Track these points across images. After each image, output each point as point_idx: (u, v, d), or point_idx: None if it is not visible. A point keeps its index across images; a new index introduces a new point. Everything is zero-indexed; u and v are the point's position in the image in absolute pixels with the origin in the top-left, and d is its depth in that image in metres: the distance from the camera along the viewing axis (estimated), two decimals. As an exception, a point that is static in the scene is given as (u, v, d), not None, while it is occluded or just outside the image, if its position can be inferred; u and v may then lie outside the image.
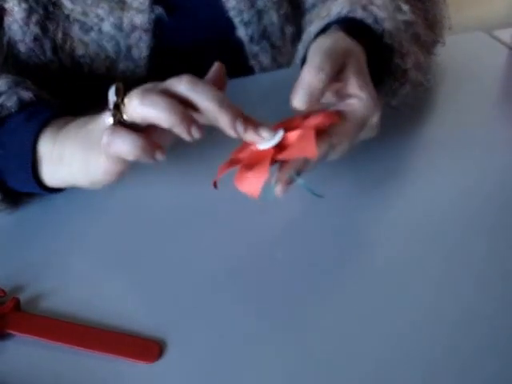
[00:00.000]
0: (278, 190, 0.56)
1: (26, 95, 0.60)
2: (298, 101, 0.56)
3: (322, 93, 0.56)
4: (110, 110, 0.54)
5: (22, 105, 0.60)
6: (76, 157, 0.56)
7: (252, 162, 0.55)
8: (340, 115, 0.58)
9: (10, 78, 0.61)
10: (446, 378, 0.50)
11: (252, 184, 0.54)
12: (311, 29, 0.70)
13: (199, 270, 0.58)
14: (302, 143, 0.55)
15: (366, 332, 0.53)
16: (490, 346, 0.52)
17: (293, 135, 0.56)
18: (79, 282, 0.57)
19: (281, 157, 0.56)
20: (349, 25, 0.65)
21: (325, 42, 0.60)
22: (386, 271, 0.58)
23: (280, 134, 0.56)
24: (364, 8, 0.67)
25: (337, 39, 0.61)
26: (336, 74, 0.58)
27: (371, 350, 0.52)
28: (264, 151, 0.56)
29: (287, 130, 0.57)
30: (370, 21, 0.66)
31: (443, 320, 0.54)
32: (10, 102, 0.59)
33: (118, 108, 0.53)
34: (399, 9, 0.69)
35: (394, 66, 0.68)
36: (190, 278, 0.58)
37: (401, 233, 0.62)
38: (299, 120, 0.58)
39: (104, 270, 0.59)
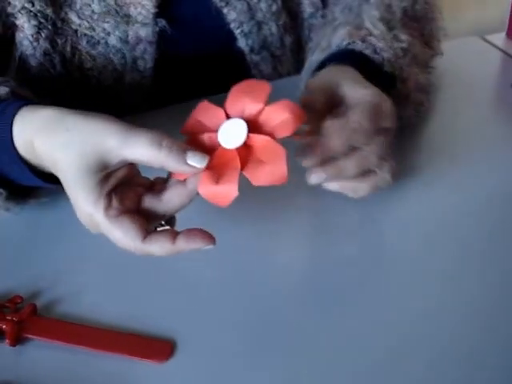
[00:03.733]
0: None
1: (2, 90, 0.60)
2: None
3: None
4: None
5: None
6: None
7: (218, 167, 0.51)
8: (302, 109, 0.54)
9: None
10: None
11: (221, 197, 0.51)
12: (313, 58, 0.73)
13: (209, 271, 0.60)
14: (272, 165, 0.50)
15: (370, 342, 0.54)
16: (494, 352, 0.53)
17: (258, 139, 0.51)
18: (92, 287, 0.59)
19: (248, 174, 0.51)
20: (349, 56, 0.68)
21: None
22: (386, 277, 0.60)
23: (244, 134, 0.52)
24: (363, 40, 0.69)
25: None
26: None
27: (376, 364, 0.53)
28: (228, 154, 0.51)
29: (249, 126, 0.52)
30: (369, 52, 0.68)
31: (446, 328, 0.55)
32: None
33: None
34: (397, 38, 0.71)
35: (396, 92, 0.70)
36: (200, 278, 0.59)
37: (401, 237, 0.64)
38: (252, 106, 0.53)
39: (116, 274, 0.60)
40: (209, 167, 0.51)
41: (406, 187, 0.69)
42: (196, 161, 0.50)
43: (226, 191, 0.50)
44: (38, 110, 0.56)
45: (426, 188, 0.69)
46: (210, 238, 0.51)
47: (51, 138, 0.53)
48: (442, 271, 0.60)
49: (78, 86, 0.75)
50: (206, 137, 0.53)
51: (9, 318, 0.55)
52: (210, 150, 0.52)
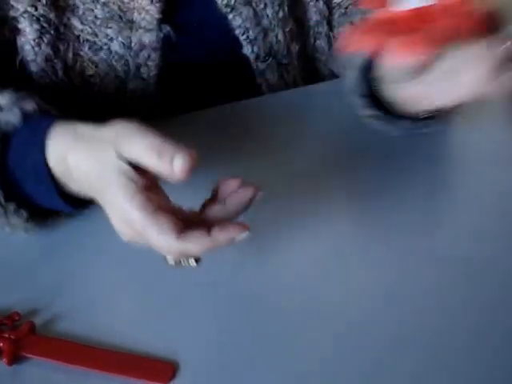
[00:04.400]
0: None
1: (30, 106, 0.60)
2: None
3: None
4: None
5: (26, 117, 0.60)
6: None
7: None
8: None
9: (12, 92, 0.61)
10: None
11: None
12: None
13: (212, 292, 0.59)
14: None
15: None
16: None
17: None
18: (93, 305, 0.58)
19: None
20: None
21: None
22: (395, 292, 0.59)
23: None
24: None
25: None
26: None
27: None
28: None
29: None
30: None
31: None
32: (14, 117, 0.59)
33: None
34: None
35: None
36: (202, 299, 0.58)
37: (416, 253, 0.62)
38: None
39: (117, 293, 0.59)
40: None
41: (421, 201, 0.67)
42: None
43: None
44: (70, 125, 0.58)
45: (443, 203, 0.67)
46: (244, 226, 0.52)
47: (86, 149, 0.55)
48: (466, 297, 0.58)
49: (79, 92, 0.74)
50: None
51: (6, 335, 0.53)
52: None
